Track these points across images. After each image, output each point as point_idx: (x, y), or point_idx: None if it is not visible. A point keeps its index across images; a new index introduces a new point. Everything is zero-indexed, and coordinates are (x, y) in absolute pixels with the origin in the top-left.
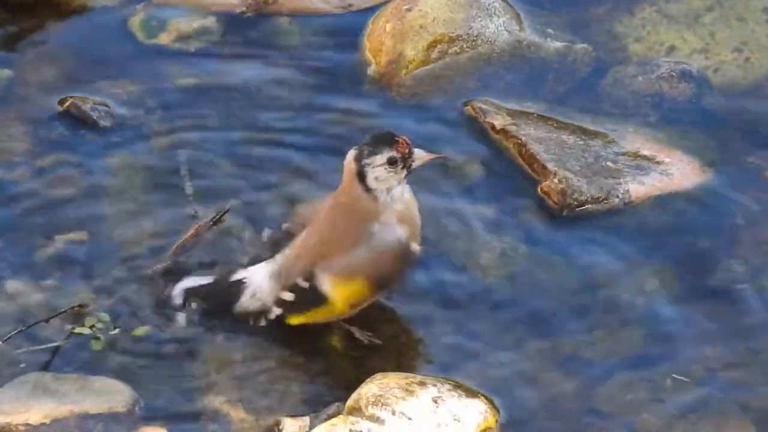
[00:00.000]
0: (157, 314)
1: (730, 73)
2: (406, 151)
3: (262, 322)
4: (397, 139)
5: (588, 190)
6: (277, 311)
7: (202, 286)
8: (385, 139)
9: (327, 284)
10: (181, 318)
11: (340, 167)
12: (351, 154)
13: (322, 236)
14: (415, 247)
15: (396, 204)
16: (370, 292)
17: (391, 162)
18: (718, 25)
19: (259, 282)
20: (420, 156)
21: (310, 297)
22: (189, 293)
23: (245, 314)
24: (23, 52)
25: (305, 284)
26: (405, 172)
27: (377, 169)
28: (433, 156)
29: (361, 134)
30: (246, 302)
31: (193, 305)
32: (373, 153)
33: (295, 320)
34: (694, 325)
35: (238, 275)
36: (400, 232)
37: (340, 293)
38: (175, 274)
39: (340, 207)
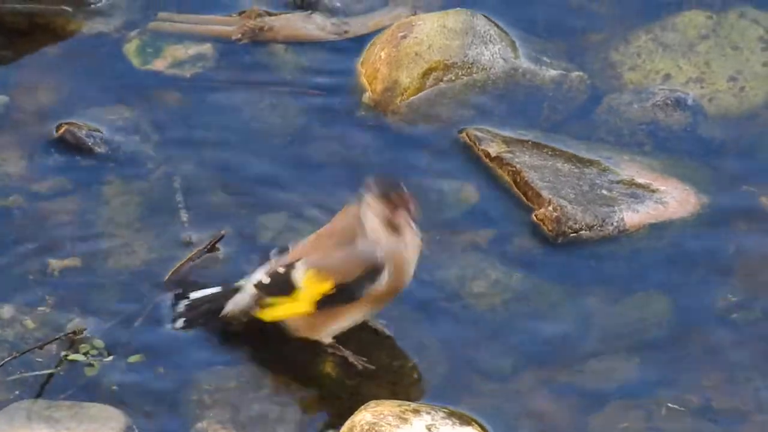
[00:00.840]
0: (153, 339)
1: (725, 102)
2: (398, 222)
3: (244, 319)
4: (391, 195)
5: (583, 218)
6: (251, 291)
7: (205, 296)
8: (386, 189)
9: (300, 274)
10: (180, 323)
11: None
12: (371, 179)
13: (318, 238)
14: (389, 278)
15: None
16: (336, 296)
17: (384, 218)
18: (713, 53)
19: (253, 278)
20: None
21: (282, 283)
22: (193, 304)
23: (233, 313)
24: (18, 77)
25: (282, 269)
26: (397, 228)
27: (368, 215)
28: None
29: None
30: (237, 299)
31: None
32: (372, 196)
33: (266, 314)
34: (690, 354)
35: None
36: (380, 254)
37: (308, 287)
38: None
39: (343, 219)
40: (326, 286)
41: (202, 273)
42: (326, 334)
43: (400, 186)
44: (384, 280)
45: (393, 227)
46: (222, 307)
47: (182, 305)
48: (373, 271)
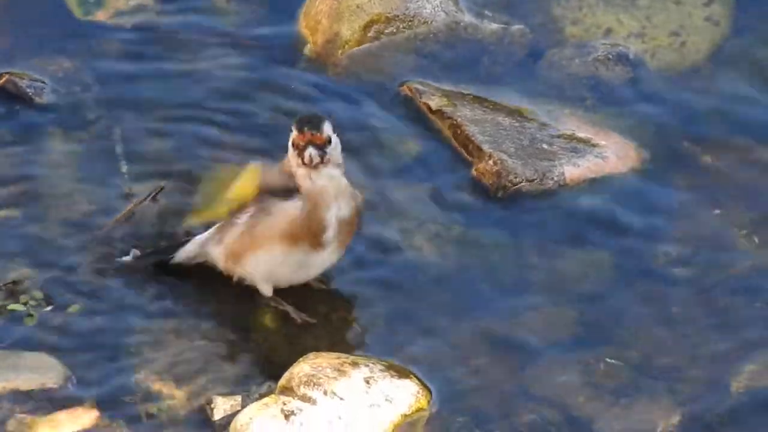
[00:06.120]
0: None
1: (667, 57)
2: (301, 144)
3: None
4: (303, 128)
5: (523, 172)
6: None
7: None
8: (302, 122)
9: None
10: (131, 254)
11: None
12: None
13: None
14: (303, 211)
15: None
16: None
17: (293, 144)
18: (655, 8)
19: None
20: (310, 156)
21: None
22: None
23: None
24: None
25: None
26: (300, 160)
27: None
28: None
29: (296, 114)
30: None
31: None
32: (291, 127)
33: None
34: (628, 309)
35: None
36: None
37: (244, 178)
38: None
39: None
40: (253, 185)
41: (142, 225)
42: (250, 265)
43: (317, 124)
44: (297, 207)
45: (302, 159)
46: (173, 254)
47: (132, 250)
48: (287, 191)
